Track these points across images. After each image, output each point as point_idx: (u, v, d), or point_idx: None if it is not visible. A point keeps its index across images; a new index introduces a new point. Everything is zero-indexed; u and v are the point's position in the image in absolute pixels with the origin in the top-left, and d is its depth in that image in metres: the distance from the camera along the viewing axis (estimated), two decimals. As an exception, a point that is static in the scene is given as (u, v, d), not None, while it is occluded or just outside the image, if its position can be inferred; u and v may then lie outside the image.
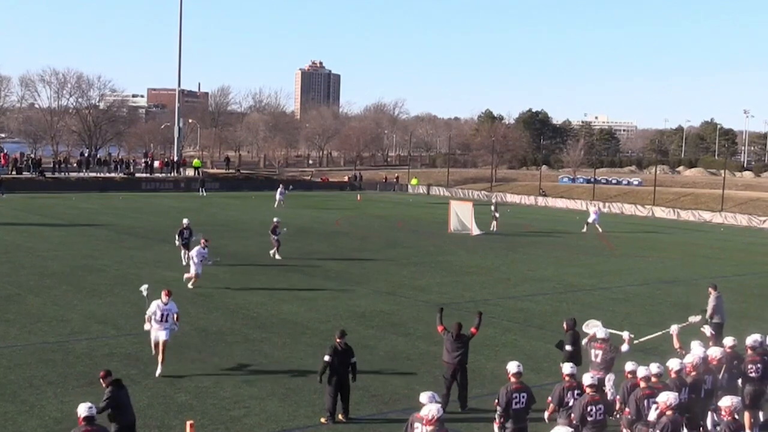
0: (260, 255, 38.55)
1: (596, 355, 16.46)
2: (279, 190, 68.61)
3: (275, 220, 38.99)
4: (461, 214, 52.81)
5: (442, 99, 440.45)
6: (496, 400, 13.89)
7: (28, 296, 27.24)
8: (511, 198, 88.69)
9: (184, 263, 33.18)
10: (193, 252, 29.63)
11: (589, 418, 12.91)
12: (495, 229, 52.59)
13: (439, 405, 11.68)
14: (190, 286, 29.12)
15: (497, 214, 54.04)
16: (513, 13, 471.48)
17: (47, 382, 18.07)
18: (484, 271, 36.50)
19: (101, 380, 13.85)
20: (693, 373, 14.55)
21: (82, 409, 11.74)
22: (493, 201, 60.14)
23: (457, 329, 17.06)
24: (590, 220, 55.99)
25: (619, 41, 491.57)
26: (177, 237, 35.52)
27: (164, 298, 19.53)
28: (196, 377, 18.42)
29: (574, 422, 12.75)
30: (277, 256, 37.37)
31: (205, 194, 79.69)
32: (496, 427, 14.08)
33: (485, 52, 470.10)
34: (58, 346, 21.17)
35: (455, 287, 31.92)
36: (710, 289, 23.40)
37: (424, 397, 12.08)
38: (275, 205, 64.94)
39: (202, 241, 30.31)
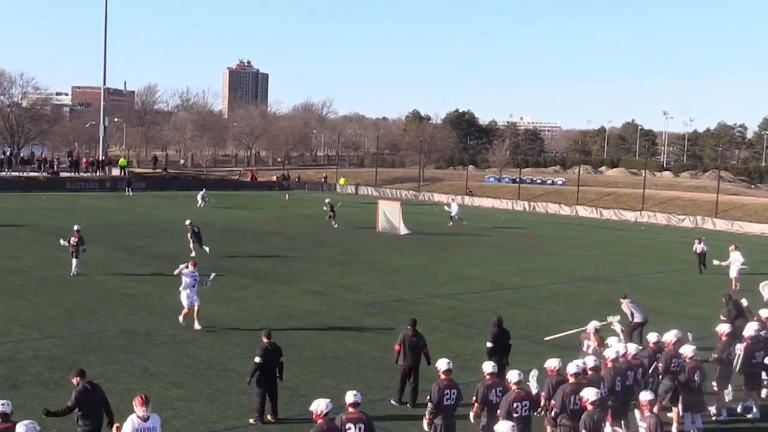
0: (187, 255, 38.08)
1: (588, 346, 17.36)
2: (201, 193, 68.15)
3: (187, 222, 38.63)
4: (389, 214, 52.96)
5: (370, 99, 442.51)
6: (428, 397, 14.02)
7: (-52, 299, 26.55)
8: (438, 197, 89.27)
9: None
10: (185, 280, 23.45)
11: (515, 414, 13.08)
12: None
13: (328, 401, 12.05)
14: (181, 320, 23.78)
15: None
16: (439, 14, 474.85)
17: (-33, 386, 17.62)
18: (412, 270, 36.66)
19: (72, 379, 13.56)
20: (611, 368, 14.87)
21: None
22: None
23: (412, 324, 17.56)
24: (453, 213, 57.67)
25: (544, 43, 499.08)
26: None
27: (191, 268, 23.57)
28: (122, 379, 18.16)
29: (500, 419, 12.89)
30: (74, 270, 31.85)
31: (131, 194, 78.46)
32: (425, 423, 14.18)
33: (412, 53, 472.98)
34: (-21, 349, 20.67)
35: (383, 286, 32.00)
36: (621, 299, 23.18)
37: (349, 395, 12.18)
38: (197, 206, 64.41)
39: (191, 265, 24.14)
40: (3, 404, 11.84)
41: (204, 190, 70.58)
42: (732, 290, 30.27)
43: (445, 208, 60.19)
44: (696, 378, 15.87)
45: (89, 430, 13.15)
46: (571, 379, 13.79)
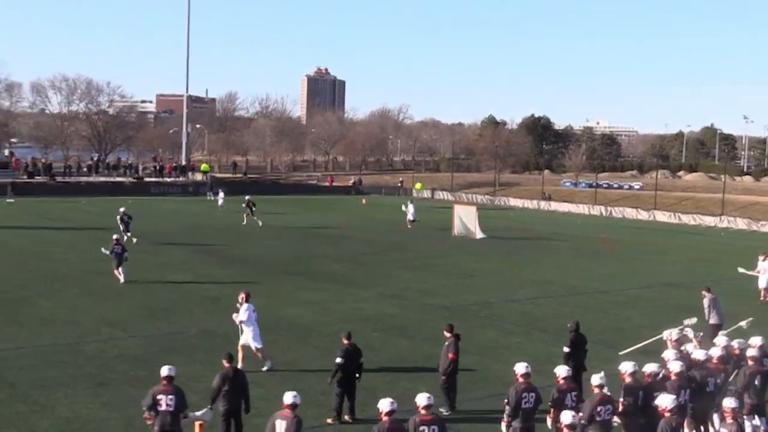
0: (266, 258, 38.60)
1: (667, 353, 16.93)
2: (220, 194, 69.58)
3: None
4: (465, 218, 52.80)
5: (446, 104, 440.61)
6: (506, 400, 13.91)
7: (39, 299, 27.30)
8: (513, 202, 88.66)
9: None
10: (242, 316, 19.91)
11: (597, 418, 12.94)
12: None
13: (392, 401, 11.98)
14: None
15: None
16: (517, 19, 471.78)
17: (58, 383, 18.09)
18: (488, 274, 36.48)
19: (224, 362, 14.63)
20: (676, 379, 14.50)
21: (165, 370, 13.46)
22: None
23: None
24: (410, 216, 56.52)
25: (621, 47, 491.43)
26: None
27: (243, 300, 20.09)
28: (204, 378, 18.41)
29: (582, 422, 12.72)
30: (120, 278, 30.82)
31: (213, 198, 79.66)
32: (503, 425, 14.08)
33: (489, 58, 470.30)
34: (69, 348, 21.20)
35: (459, 290, 31.89)
36: (704, 292, 23.34)
37: (421, 398, 12.13)
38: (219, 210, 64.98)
39: (243, 296, 20.39)
40: (169, 369, 13.52)
41: (221, 192, 71.51)
42: (760, 301, 30.15)
43: (402, 208, 59.00)
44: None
45: (227, 410, 14.20)
46: (648, 379, 13.65)
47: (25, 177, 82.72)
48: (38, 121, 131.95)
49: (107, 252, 31.65)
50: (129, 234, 42.29)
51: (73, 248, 40.00)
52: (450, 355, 16.95)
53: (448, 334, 17.30)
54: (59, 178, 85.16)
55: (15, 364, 19.45)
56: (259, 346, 19.71)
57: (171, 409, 13.12)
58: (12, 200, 67.60)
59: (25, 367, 19.24)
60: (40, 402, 16.81)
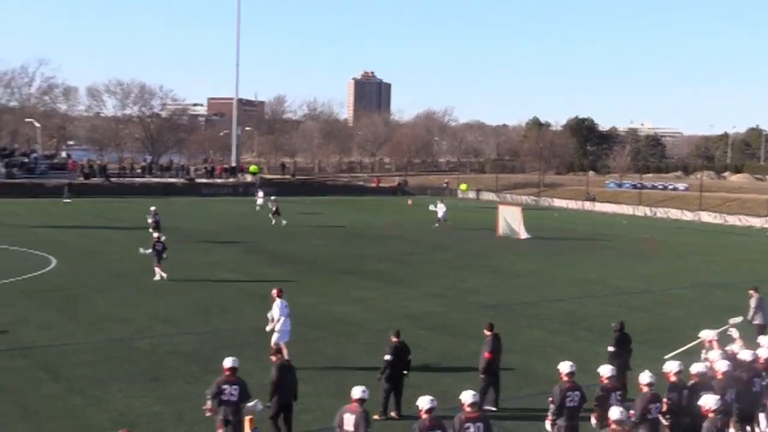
0: (314, 257, 38.78)
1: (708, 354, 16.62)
2: (260, 194, 69.13)
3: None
4: (510, 218, 52.59)
5: (491, 106, 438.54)
6: (550, 398, 13.82)
7: (95, 296, 27.70)
8: (558, 202, 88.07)
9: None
10: (274, 312, 19.99)
11: (648, 416, 12.85)
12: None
13: (431, 398, 11.90)
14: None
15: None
16: (560, 21, 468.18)
17: (113, 377, 18.35)
18: (532, 274, 36.29)
19: (272, 356, 14.81)
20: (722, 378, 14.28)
21: (228, 362, 13.71)
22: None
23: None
24: (440, 215, 56.32)
25: (665, 48, 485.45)
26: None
27: (276, 296, 20.12)
28: (255, 374, 18.54)
29: (633, 419, 12.61)
30: (162, 275, 31.16)
31: (261, 200, 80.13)
32: (548, 424, 13.99)
33: (533, 60, 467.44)
34: (123, 344, 21.51)
35: (504, 289, 31.78)
36: (751, 291, 23.05)
37: (466, 395, 12.08)
38: (258, 209, 64.65)
39: (275, 291, 20.51)
40: (233, 360, 13.71)
41: (260, 192, 70.83)
42: None
43: (431, 207, 58.62)
44: None
45: (283, 404, 14.45)
46: (694, 379, 13.50)
47: (81, 178, 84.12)
48: (94, 124, 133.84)
49: (147, 251, 31.97)
50: (160, 230, 42.08)
51: (127, 248, 40.43)
52: (485, 354, 16.92)
53: (487, 333, 17.26)
54: (114, 179, 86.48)
55: (73, 360, 19.77)
56: (284, 340, 19.49)
57: (234, 398, 13.43)
58: (69, 200, 68.72)
59: (82, 362, 19.56)
60: (96, 395, 17.07)
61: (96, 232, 46.33)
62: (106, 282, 30.45)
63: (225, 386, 13.49)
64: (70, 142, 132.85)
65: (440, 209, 56.36)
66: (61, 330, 22.81)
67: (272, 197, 57.92)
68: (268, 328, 19.96)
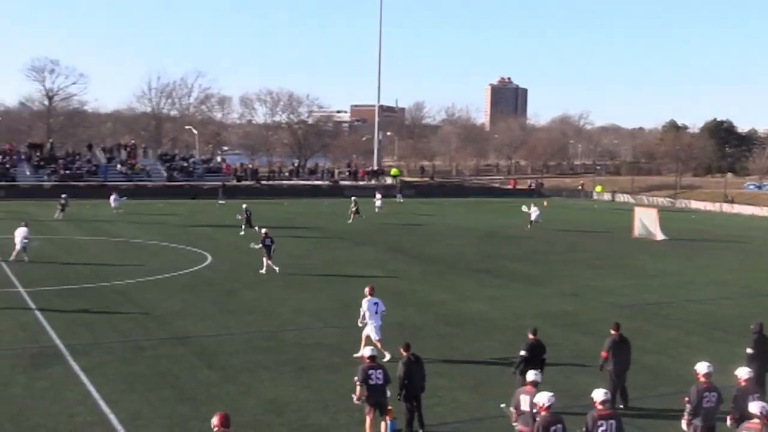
0: (451, 256, 38.76)
1: None
2: (378, 196, 67.78)
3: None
4: (645, 220, 51.28)
5: (627, 110, 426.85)
6: (687, 398, 13.38)
7: (246, 291, 28.54)
8: (695, 204, 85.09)
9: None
10: (363, 308, 19.97)
11: None
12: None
13: (551, 394, 11.80)
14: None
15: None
16: (696, 21, 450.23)
17: (262, 367, 18.86)
18: (667, 275, 35.18)
19: (402, 351, 15.03)
20: None
21: (367, 351, 14.62)
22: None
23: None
24: (533, 217, 54.25)
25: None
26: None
27: (368, 293, 20.12)
28: (392, 366, 18.71)
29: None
30: (274, 268, 31.93)
31: (401, 200, 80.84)
32: (683, 423, 13.54)
33: (670, 62, 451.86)
34: (271, 335, 22.08)
35: (638, 290, 30.92)
36: None
37: (598, 393, 11.85)
38: (377, 211, 63.86)
39: (367, 289, 20.41)
40: (371, 350, 14.60)
41: (379, 195, 69.54)
42: None
43: (524, 208, 56.38)
44: None
45: (411, 395, 14.55)
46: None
47: (234, 181, 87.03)
48: (246, 131, 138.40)
49: (257, 246, 32.95)
50: (253, 227, 44.90)
51: (277, 245, 41.43)
52: (602, 353, 16.55)
53: (612, 332, 16.83)
54: (264, 182, 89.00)
55: (226, 349, 20.44)
56: (377, 338, 19.53)
57: (380, 382, 14.03)
58: (223, 202, 71.09)
59: (234, 352, 20.19)
60: (246, 383, 17.58)
61: (247, 231, 47.72)
62: (255, 277, 31.30)
63: (371, 371, 14.06)
64: (225, 148, 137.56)
65: (533, 212, 54.79)
66: (215, 321, 23.63)
67: (353, 197, 58.58)
68: (359, 323, 20.09)
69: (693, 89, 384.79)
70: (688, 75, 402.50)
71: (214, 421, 10.68)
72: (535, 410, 12.28)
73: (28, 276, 30.00)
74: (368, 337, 19.63)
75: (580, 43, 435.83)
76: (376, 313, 19.80)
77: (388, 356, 19.13)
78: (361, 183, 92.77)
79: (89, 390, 16.78)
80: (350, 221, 54.74)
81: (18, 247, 33.73)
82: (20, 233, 33.99)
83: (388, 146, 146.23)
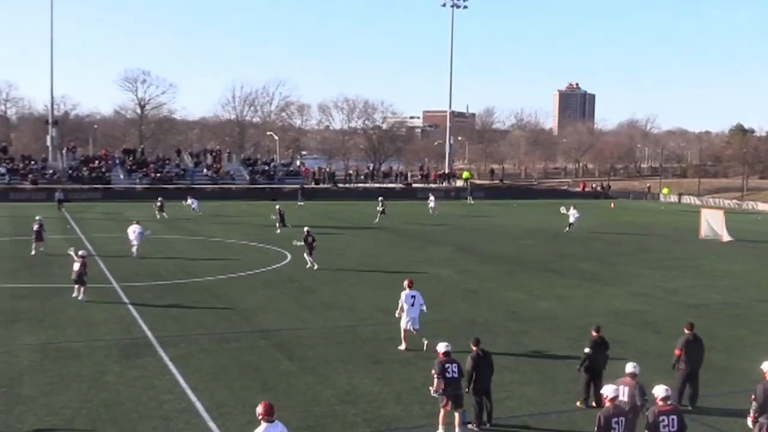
0: (520, 256, 38.42)
1: None
2: (431, 197, 66.61)
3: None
4: (712, 222, 50.01)
5: (694, 114, 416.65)
6: (753, 396, 13.03)
7: (323, 288, 28.73)
8: (762, 206, 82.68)
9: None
10: (402, 300, 20.24)
11: None
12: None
13: (615, 387, 12.09)
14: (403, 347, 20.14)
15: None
16: (761, 29, 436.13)
17: (339, 359, 18.98)
18: (736, 275, 34.24)
19: (472, 346, 15.02)
20: None
21: (442, 347, 14.41)
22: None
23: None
24: (572, 220, 52.01)
25: None
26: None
27: (406, 287, 20.44)
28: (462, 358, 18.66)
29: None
30: (312, 264, 32.82)
31: (472, 202, 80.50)
32: (749, 421, 13.17)
33: (737, 66, 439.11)
34: (348, 329, 22.19)
35: (706, 290, 30.17)
36: None
37: (659, 389, 11.70)
38: (430, 212, 63.16)
39: (406, 282, 20.77)
40: (446, 345, 14.53)
41: (431, 195, 68.47)
42: None
43: (562, 210, 54.45)
44: None
45: (480, 389, 14.59)
46: None
47: (312, 183, 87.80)
48: (324, 136, 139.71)
49: (299, 243, 33.45)
50: (287, 226, 46.44)
51: (352, 244, 41.77)
52: (675, 351, 16.19)
53: (686, 331, 16.45)
54: (340, 185, 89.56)
55: (304, 342, 20.63)
56: (415, 327, 19.92)
57: (455, 375, 14.14)
58: (302, 203, 71.79)
59: (312, 345, 20.36)
60: (324, 374, 17.71)
61: (325, 230, 48.12)
62: (333, 275, 31.50)
63: (447, 365, 14.15)
64: (303, 152, 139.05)
65: (572, 215, 52.57)
66: (294, 316, 23.86)
67: (380, 198, 58.65)
68: (396, 314, 20.33)
69: (760, 93, 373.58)
70: (755, 79, 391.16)
71: (259, 409, 10.79)
72: (638, 402, 12.64)
73: (122, 272, 30.78)
74: (407, 331, 19.89)
75: (646, 49, 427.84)
76: (413, 305, 20.03)
77: (425, 343, 19.48)
78: (433, 185, 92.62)
79: (177, 379, 17.12)
80: (376, 220, 54.55)
81: (135, 243, 35.23)
82: (134, 230, 35.64)
83: (459, 150, 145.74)
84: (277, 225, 47.57)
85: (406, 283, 20.64)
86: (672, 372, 16.28)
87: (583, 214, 58.48)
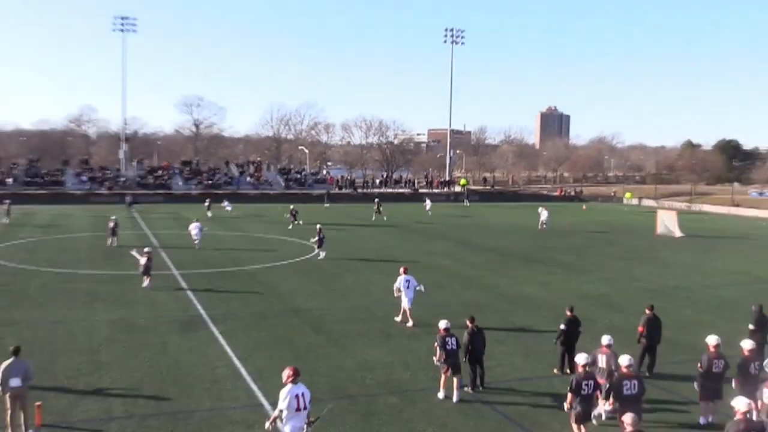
0: (508, 248, 38.30)
1: None
2: (427, 201, 66.03)
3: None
4: (666, 220, 49.79)
5: (652, 131, 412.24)
6: (699, 365, 13.03)
7: (346, 274, 28.76)
8: (707, 208, 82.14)
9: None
10: (397, 284, 20.50)
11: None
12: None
13: (587, 355, 12.34)
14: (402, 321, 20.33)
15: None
16: (706, 55, 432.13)
17: (358, 334, 19.01)
18: (686, 264, 34.03)
19: (467, 322, 15.03)
20: None
21: (442, 323, 14.28)
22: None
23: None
24: (543, 218, 50.51)
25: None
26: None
27: (402, 272, 20.62)
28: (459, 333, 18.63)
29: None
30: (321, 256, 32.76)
31: (468, 204, 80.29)
32: (696, 385, 13.15)
33: (686, 91, 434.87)
34: (365, 310, 22.18)
35: (662, 277, 30.01)
36: None
37: (624, 359, 11.84)
38: (428, 213, 61.93)
39: (402, 269, 21.06)
40: (446, 322, 14.41)
41: (427, 199, 67.51)
42: None
43: (539, 210, 52.51)
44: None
45: (474, 359, 14.58)
46: None
47: (336, 189, 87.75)
48: (345, 150, 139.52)
49: (314, 240, 33.41)
50: (300, 222, 46.27)
51: (370, 239, 41.72)
52: (639, 327, 16.16)
53: (647, 312, 16.41)
54: (359, 190, 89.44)
55: (329, 319, 20.67)
56: (408, 306, 20.03)
57: (454, 347, 14.15)
58: (328, 205, 71.79)
59: (336, 321, 20.40)
60: (345, 346, 17.75)
61: (347, 227, 48.16)
62: (354, 264, 31.51)
63: (447, 338, 14.16)
64: (329, 163, 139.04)
65: (543, 214, 50.91)
66: (322, 298, 23.89)
67: (376, 198, 57.88)
68: (395, 295, 20.58)
69: (706, 114, 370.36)
70: (702, 101, 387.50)
71: (288, 371, 10.56)
72: (613, 367, 12.80)
73: (180, 262, 30.90)
74: (410, 309, 20.09)
75: (613, 77, 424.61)
76: (408, 287, 20.14)
77: (411, 323, 19.59)
78: (436, 191, 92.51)
79: (225, 349, 17.20)
80: (373, 218, 54.21)
81: (197, 238, 35.63)
82: (194, 227, 36.08)
83: (458, 161, 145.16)
84: (291, 222, 47.42)
85: (402, 269, 20.84)
86: (634, 344, 16.23)
87: (560, 215, 58.30)
